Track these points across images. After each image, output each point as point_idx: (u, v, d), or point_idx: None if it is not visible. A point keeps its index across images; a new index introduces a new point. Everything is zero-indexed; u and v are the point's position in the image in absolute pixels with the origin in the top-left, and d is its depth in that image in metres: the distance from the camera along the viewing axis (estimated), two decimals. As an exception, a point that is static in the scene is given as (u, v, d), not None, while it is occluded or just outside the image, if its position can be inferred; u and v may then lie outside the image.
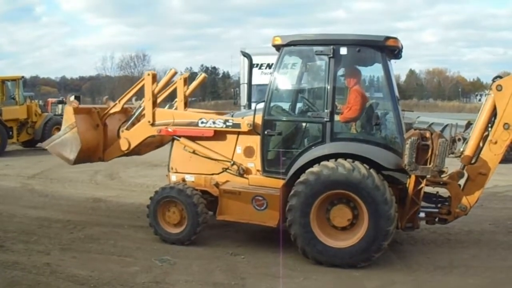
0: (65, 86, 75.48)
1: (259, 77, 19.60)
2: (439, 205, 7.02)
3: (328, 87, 6.52)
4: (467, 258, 6.90)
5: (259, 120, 6.91)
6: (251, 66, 8.06)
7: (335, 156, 6.39)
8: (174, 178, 7.61)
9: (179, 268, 6.41)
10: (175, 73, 8.10)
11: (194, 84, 8.59)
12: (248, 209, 6.81)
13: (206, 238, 7.44)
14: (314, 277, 6.14)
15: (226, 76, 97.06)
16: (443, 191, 7.12)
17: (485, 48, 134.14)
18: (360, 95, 6.78)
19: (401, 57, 7.03)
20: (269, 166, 6.90)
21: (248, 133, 7.10)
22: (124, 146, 7.89)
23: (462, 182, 6.98)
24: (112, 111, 8.09)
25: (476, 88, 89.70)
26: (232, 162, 7.15)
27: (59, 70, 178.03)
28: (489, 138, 6.76)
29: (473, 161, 6.88)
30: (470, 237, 7.92)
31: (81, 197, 10.82)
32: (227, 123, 7.22)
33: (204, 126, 7.33)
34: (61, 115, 23.92)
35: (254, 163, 7.11)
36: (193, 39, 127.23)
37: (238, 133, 7.20)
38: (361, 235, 6.28)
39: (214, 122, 7.29)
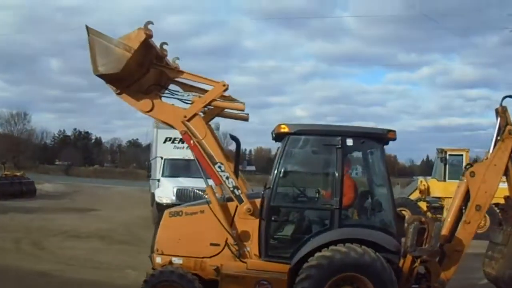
0: None
1: (171, 151, 19.41)
2: (418, 282, 7.46)
3: (337, 175, 6.93)
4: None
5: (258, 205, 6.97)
6: (238, 148, 7.88)
7: (342, 241, 6.71)
8: (159, 260, 7.19)
9: None
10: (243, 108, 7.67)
11: (230, 104, 7.84)
12: None
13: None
14: None
15: (99, 141, 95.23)
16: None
17: (356, 123, 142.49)
18: (352, 183, 7.25)
19: (388, 143, 7.62)
20: (272, 251, 6.98)
21: (245, 217, 7.02)
22: (146, 108, 7.21)
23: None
24: (166, 70, 7.48)
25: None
26: (235, 242, 6.99)
27: None
28: (463, 219, 7.52)
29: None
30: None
31: (20, 270, 9.83)
32: (235, 190, 7.02)
33: (217, 172, 7.07)
34: (4, 176, 22.30)
35: (250, 248, 7.06)
36: (68, 102, 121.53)
37: (236, 207, 7.04)
38: None
39: (227, 178, 7.05)
